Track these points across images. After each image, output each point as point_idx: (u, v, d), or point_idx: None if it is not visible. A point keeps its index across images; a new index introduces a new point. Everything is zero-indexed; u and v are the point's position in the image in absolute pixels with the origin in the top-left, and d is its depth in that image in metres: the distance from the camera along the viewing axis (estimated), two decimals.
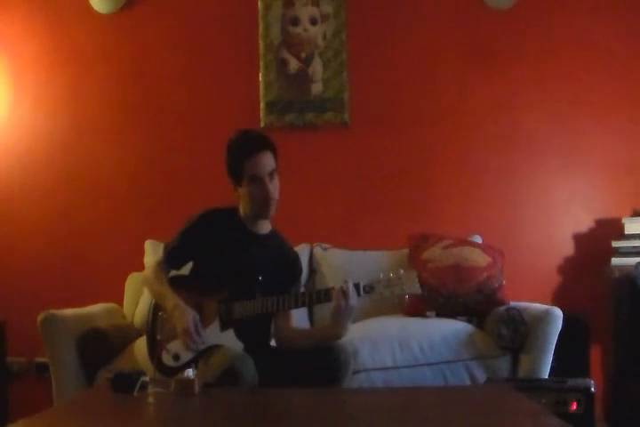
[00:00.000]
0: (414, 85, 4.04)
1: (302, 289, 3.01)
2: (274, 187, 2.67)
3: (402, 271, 2.44)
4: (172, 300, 2.63)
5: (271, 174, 2.66)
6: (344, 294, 2.45)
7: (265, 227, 2.79)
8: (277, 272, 2.75)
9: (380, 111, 4.05)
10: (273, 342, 2.84)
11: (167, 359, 2.63)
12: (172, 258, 2.78)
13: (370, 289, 2.46)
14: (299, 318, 2.93)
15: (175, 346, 2.62)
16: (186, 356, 2.60)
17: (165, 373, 2.59)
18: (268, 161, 2.66)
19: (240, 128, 2.77)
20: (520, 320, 3.08)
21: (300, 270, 2.89)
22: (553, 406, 2.77)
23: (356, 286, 2.49)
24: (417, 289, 2.44)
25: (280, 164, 2.73)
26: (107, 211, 4.10)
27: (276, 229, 2.85)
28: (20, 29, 4.20)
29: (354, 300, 2.46)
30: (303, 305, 2.61)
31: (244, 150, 2.67)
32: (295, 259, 2.87)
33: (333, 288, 2.51)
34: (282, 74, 4.05)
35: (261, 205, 2.68)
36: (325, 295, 2.52)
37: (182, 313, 2.57)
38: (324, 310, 2.93)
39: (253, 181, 2.66)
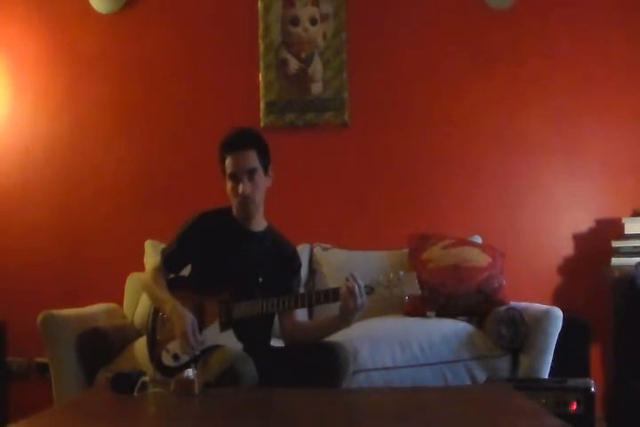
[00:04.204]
0: (414, 85, 4.04)
1: (302, 288, 3.01)
2: (251, 186, 2.67)
3: (402, 272, 2.44)
4: (170, 303, 2.64)
5: (250, 173, 2.67)
6: (351, 293, 2.44)
7: (260, 224, 2.80)
8: (277, 269, 2.76)
9: (379, 111, 4.05)
10: (273, 343, 2.84)
11: (167, 359, 2.64)
12: (169, 262, 2.80)
13: (370, 290, 2.45)
14: (300, 312, 2.93)
15: (175, 346, 2.62)
16: (185, 356, 2.60)
17: (165, 373, 2.59)
18: (246, 160, 2.67)
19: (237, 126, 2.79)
20: (520, 320, 3.08)
21: (299, 264, 2.89)
22: (553, 406, 2.77)
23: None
24: (416, 290, 2.43)
25: (270, 163, 2.75)
26: (107, 211, 4.10)
27: (272, 225, 2.85)
28: (19, 29, 4.20)
29: (362, 299, 2.44)
30: (303, 306, 2.62)
31: (225, 148, 2.71)
32: (293, 252, 2.87)
33: (339, 288, 2.49)
34: (282, 74, 4.05)
35: (238, 203, 2.70)
36: (334, 295, 2.50)
37: (180, 316, 2.58)
38: (325, 308, 2.92)
39: (231, 179, 2.69)
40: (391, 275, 2.44)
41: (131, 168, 4.12)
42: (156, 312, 2.75)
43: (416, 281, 2.43)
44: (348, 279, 2.46)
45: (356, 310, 2.47)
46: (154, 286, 2.74)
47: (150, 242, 3.71)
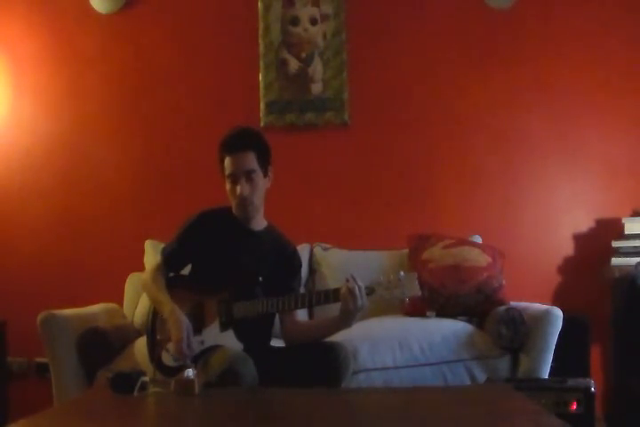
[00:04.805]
0: (414, 85, 4.04)
1: (302, 289, 3.01)
2: (249, 187, 2.67)
3: (402, 273, 2.44)
4: (168, 306, 2.63)
5: (248, 174, 2.66)
6: (352, 294, 2.43)
7: (260, 223, 2.79)
8: (277, 268, 2.75)
9: (379, 111, 4.05)
10: (273, 343, 2.84)
11: (167, 359, 2.63)
12: (169, 261, 2.79)
13: (370, 291, 2.45)
14: (301, 312, 2.93)
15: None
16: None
17: (165, 373, 2.59)
18: (244, 161, 2.67)
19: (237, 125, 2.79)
20: (520, 320, 3.08)
21: (300, 263, 2.89)
22: (553, 406, 2.77)
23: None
24: (417, 291, 2.43)
25: (270, 164, 2.74)
26: (107, 211, 4.10)
27: (273, 225, 2.85)
28: (19, 29, 4.20)
29: (362, 300, 2.44)
30: (304, 306, 2.61)
31: (224, 148, 2.71)
32: (293, 251, 2.86)
33: (340, 288, 2.48)
34: (282, 74, 4.05)
35: (237, 204, 2.70)
36: (334, 296, 2.50)
37: (177, 321, 2.58)
38: (325, 308, 2.92)
39: (229, 179, 2.69)
40: (391, 276, 2.44)
41: (131, 168, 4.12)
42: (155, 312, 2.75)
43: (416, 282, 2.42)
44: (348, 280, 2.46)
45: (356, 310, 2.46)
46: (153, 286, 2.74)
47: (150, 242, 3.71)
